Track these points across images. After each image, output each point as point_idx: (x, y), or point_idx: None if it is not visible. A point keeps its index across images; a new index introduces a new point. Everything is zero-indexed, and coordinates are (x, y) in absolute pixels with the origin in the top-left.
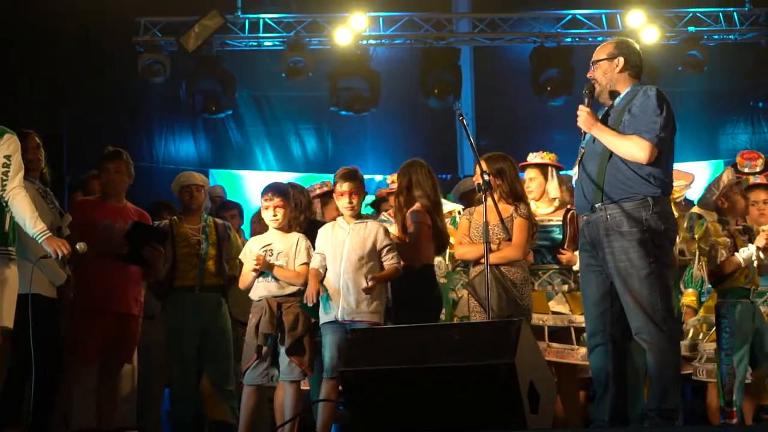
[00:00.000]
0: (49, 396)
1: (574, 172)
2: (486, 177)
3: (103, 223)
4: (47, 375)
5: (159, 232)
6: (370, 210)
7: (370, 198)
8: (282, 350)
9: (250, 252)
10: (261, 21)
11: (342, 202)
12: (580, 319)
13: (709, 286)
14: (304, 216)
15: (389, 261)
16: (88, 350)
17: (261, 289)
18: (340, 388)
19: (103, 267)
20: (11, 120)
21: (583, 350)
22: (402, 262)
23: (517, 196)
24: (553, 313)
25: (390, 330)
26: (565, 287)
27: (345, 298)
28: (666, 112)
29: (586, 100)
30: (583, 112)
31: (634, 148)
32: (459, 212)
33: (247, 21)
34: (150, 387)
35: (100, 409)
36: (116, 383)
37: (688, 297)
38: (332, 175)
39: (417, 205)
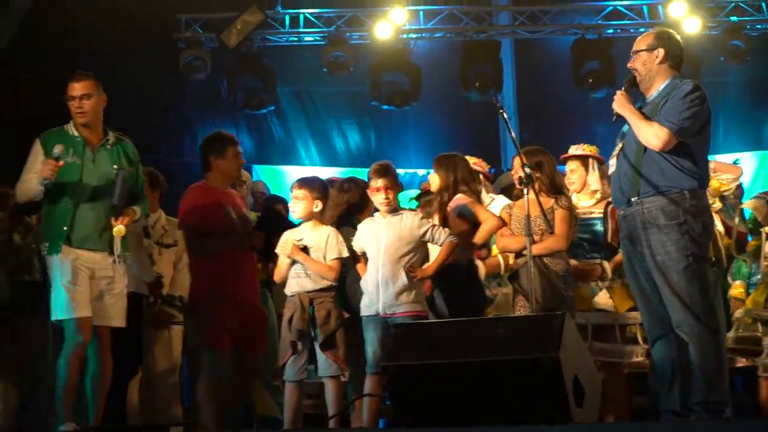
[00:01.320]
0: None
1: (611, 164)
2: (527, 170)
3: (227, 211)
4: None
5: (285, 221)
6: (414, 204)
7: (414, 192)
8: (317, 345)
9: (285, 244)
10: (301, 16)
11: (378, 198)
12: (625, 316)
13: (758, 277)
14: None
15: (442, 238)
16: (224, 342)
17: (294, 285)
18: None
19: (238, 257)
20: (52, 118)
21: (629, 348)
22: (457, 239)
23: (556, 188)
24: (597, 310)
25: (434, 324)
26: (608, 282)
27: (385, 291)
28: (696, 104)
29: (625, 88)
30: (618, 94)
31: (651, 134)
32: None
33: (287, 16)
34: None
35: (234, 399)
36: (252, 375)
37: (736, 289)
38: None
39: (462, 197)
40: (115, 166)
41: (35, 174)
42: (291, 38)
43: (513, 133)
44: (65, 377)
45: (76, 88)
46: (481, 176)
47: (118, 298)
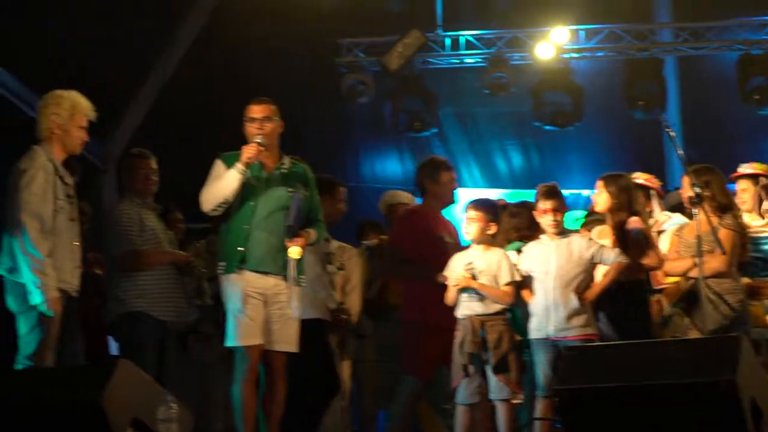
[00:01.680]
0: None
1: None
2: (697, 189)
3: (440, 237)
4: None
5: None
6: (578, 225)
7: (579, 213)
8: (488, 369)
9: (453, 269)
10: (462, 38)
11: (545, 220)
12: None
13: None
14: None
15: (610, 259)
16: (425, 371)
17: (464, 308)
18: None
19: (436, 284)
20: (221, 145)
21: None
22: (626, 259)
23: (723, 207)
24: None
25: (605, 347)
26: None
27: (555, 314)
28: None
29: None
30: None
31: None
32: None
33: (448, 39)
34: (364, 406)
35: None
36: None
37: None
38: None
39: (636, 220)
40: (290, 189)
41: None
42: (452, 60)
43: (681, 152)
44: (240, 404)
45: (257, 111)
46: (652, 192)
47: (291, 323)
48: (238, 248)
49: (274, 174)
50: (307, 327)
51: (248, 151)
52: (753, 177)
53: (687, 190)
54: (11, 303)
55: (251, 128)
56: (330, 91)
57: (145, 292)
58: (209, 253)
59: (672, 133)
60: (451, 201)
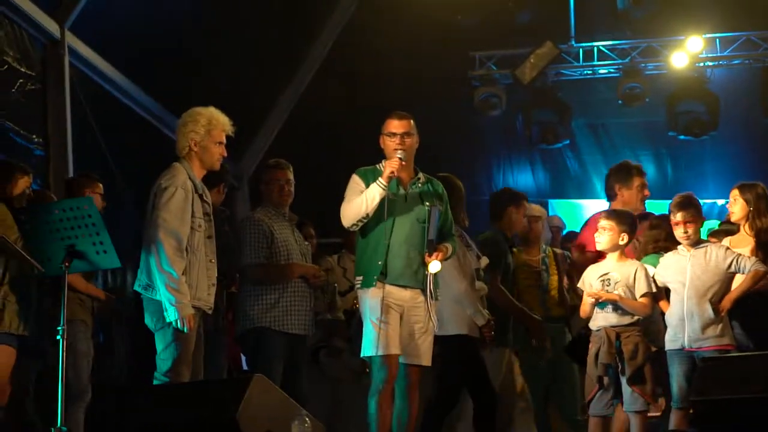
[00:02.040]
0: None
1: None
2: None
3: None
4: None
5: None
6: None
7: (714, 222)
8: (623, 380)
9: (588, 281)
10: (595, 49)
11: (677, 232)
12: None
13: None
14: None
15: (748, 267)
16: None
17: (600, 319)
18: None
19: None
20: (343, 159)
21: None
22: (765, 267)
23: None
24: None
25: (742, 358)
26: None
27: (690, 325)
28: None
29: None
30: None
31: None
32: None
33: (581, 50)
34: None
35: None
36: None
37: None
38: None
39: None
40: (427, 204)
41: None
42: (585, 71)
43: None
44: (375, 414)
45: (398, 126)
46: None
47: (427, 336)
48: (378, 262)
49: (411, 189)
50: (454, 342)
51: (391, 167)
52: None
53: None
54: (148, 320)
55: (391, 143)
56: (463, 104)
57: (271, 307)
58: (341, 268)
59: None
60: (640, 207)
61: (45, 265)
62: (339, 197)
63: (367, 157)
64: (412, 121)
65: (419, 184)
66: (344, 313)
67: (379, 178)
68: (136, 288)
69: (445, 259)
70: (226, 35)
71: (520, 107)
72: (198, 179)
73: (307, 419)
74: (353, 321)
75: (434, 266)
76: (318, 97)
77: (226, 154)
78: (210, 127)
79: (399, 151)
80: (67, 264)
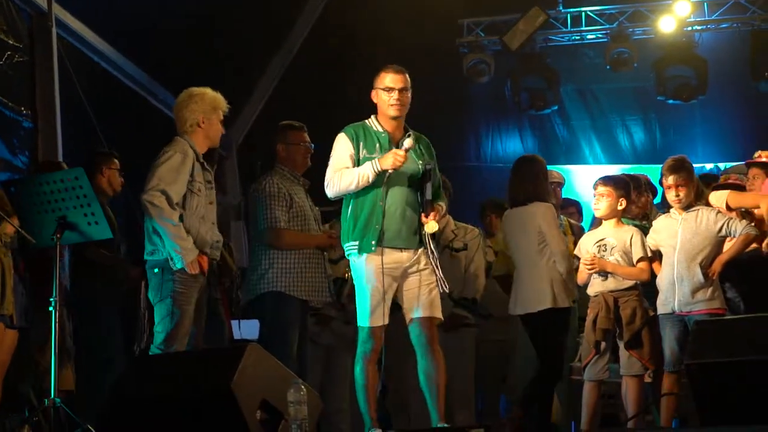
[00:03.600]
0: None
1: None
2: None
3: None
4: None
5: None
6: None
7: None
8: (621, 344)
9: (584, 248)
10: (583, 14)
11: (669, 195)
12: None
13: None
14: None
15: (738, 230)
16: None
17: (597, 285)
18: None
19: None
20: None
21: None
22: (756, 230)
23: None
24: None
25: (735, 321)
26: None
27: (681, 288)
28: None
29: None
30: None
31: None
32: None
33: (569, 15)
34: (489, 386)
35: None
36: None
37: None
38: (660, 166)
39: None
40: (421, 162)
41: (347, 167)
42: (573, 37)
43: None
44: (363, 383)
45: (397, 81)
46: None
47: (434, 290)
48: (376, 226)
49: (401, 146)
50: (547, 316)
51: (398, 161)
52: (767, 166)
53: None
54: (150, 294)
55: (388, 98)
56: (451, 71)
57: (287, 271)
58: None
59: None
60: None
61: (36, 237)
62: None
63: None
64: (408, 76)
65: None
66: (336, 280)
67: (376, 162)
68: (146, 257)
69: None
70: (213, 6)
71: (509, 74)
72: (200, 152)
73: (302, 387)
74: (344, 288)
75: (431, 226)
76: (306, 65)
77: (224, 132)
78: (215, 104)
79: (406, 142)
80: (58, 235)
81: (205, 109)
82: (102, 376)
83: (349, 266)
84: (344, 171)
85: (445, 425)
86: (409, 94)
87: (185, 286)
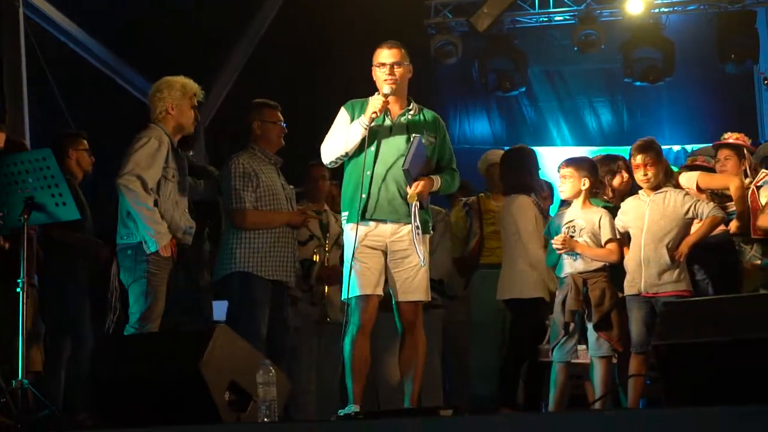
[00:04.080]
0: None
1: None
2: None
3: None
4: None
5: None
6: None
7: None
8: (590, 326)
9: (553, 229)
10: None
11: (637, 175)
12: None
13: None
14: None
15: (705, 212)
16: None
17: (566, 266)
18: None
19: None
20: (303, 109)
21: None
22: (722, 213)
23: None
24: None
25: (704, 302)
26: None
27: (647, 270)
28: None
29: None
30: None
31: None
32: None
33: None
34: (456, 368)
35: None
36: None
37: None
38: (628, 148)
39: None
40: (413, 135)
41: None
42: (541, 18)
43: None
44: (350, 356)
45: (387, 56)
46: (746, 151)
47: (419, 270)
48: (362, 195)
49: (398, 120)
50: (531, 305)
51: (374, 105)
52: (736, 147)
53: None
54: (123, 276)
55: (381, 74)
56: (419, 52)
57: (255, 252)
58: None
59: None
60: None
61: (4, 218)
62: (299, 144)
63: (325, 103)
64: (403, 50)
65: (409, 115)
66: (304, 261)
67: (362, 117)
68: (118, 241)
69: (434, 192)
70: None
71: (476, 55)
72: (174, 139)
73: (271, 369)
74: (313, 270)
75: (411, 196)
76: (274, 46)
77: (200, 119)
78: (185, 90)
79: (386, 87)
80: (26, 216)
81: (175, 96)
82: (71, 357)
83: (317, 248)
84: (335, 133)
85: (414, 407)
86: (405, 69)
87: (158, 268)
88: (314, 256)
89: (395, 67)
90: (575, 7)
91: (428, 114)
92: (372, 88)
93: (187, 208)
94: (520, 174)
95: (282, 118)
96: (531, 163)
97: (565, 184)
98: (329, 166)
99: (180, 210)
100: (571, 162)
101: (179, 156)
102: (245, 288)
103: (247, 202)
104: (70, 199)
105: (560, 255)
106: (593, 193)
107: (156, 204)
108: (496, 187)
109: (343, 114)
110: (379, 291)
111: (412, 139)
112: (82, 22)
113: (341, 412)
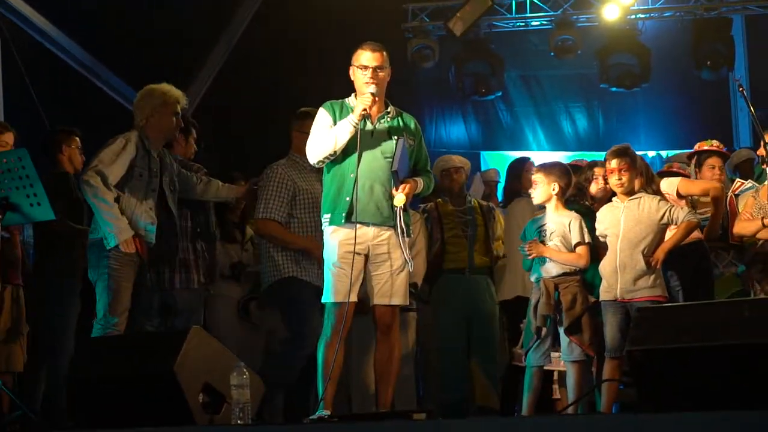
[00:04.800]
0: None
1: None
2: None
3: None
4: None
5: None
6: None
7: None
8: (561, 330)
9: (528, 234)
10: (528, 1)
11: (611, 180)
12: None
13: None
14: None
15: (680, 218)
16: None
17: (539, 270)
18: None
19: None
20: (281, 112)
21: None
22: (697, 218)
23: None
24: None
25: (678, 307)
26: None
27: (623, 276)
28: None
29: None
30: None
31: None
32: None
33: (513, 2)
34: (426, 371)
35: None
36: None
37: None
38: (603, 154)
39: None
40: (395, 137)
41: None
42: (518, 23)
43: (754, 113)
44: (323, 360)
45: (372, 59)
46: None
47: (399, 274)
48: (346, 198)
49: (378, 123)
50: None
51: (364, 102)
52: (723, 155)
53: (762, 150)
54: (89, 272)
55: (362, 76)
56: (396, 56)
57: (298, 259)
58: None
59: (745, 93)
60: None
61: None
62: (275, 146)
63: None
64: (385, 53)
65: (388, 118)
66: None
67: (351, 115)
68: (90, 236)
69: (418, 194)
70: None
71: (453, 59)
72: (155, 146)
73: (245, 371)
74: None
75: (399, 199)
76: (251, 46)
77: (182, 125)
78: (166, 98)
79: (371, 86)
80: (0, 216)
81: (155, 104)
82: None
83: None
84: (319, 134)
85: (387, 411)
86: (387, 72)
87: (120, 263)
88: None
89: (378, 70)
90: (552, 13)
91: (406, 117)
92: (349, 89)
93: (153, 206)
94: (512, 181)
95: None
96: (522, 170)
97: (536, 190)
98: (316, 166)
99: (143, 208)
100: (541, 167)
101: (152, 157)
102: (294, 294)
103: (273, 212)
104: (45, 200)
105: (529, 259)
106: (572, 200)
107: (118, 200)
108: (454, 193)
109: (324, 115)
110: (355, 297)
111: (396, 141)
112: (57, 20)
113: (313, 416)
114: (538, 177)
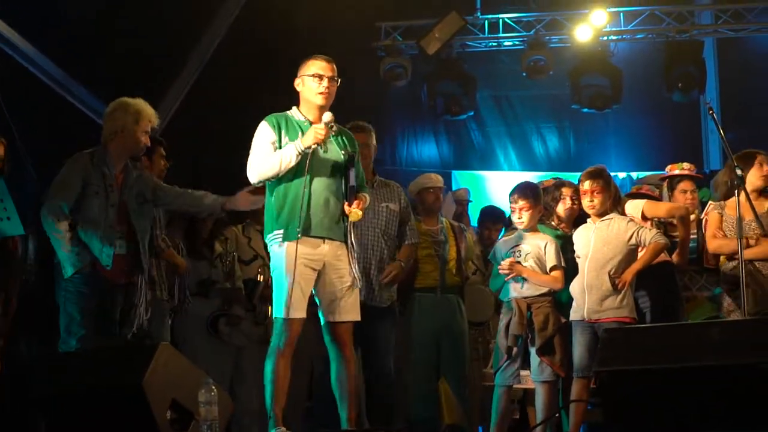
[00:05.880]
0: None
1: None
2: (738, 172)
3: None
4: None
5: None
6: None
7: None
8: (533, 350)
9: (499, 254)
10: (500, 21)
11: (584, 201)
12: None
13: None
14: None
15: (648, 239)
16: None
17: (512, 291)
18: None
19: None
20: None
21: None
22: (664, 239)
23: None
24: None
25: (645, 329)
26: None
27: (590, 296)
28: None
29: None
30: None
31: None
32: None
33: (486, 22)
34: (399, 388)
35: None
36: None
37: None
38: (575, 174)
39: None
40: (343, 151)
41: (269, 154)
42: (490, 43)
43: (723, 136)
44: (272, 378)
45: (328, 69)
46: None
47: (352, 291)
48: (301, 214)
49: (327, 138)
50: None
51: (317, 135)
52: (693, 178)
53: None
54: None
55: (317, 85)
56: (368, 74)
57: None
58: (246, 237)
59: (714, 116)
60: None
61: None
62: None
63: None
64: (335, 66)
65: (333, 132)
66: (248, 281)
67: (299, 142)
68: (55, 260)
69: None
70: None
71: (425, 78)
72: (117, 162)
73: (213, 388)
74: (257, 290)
75: (355, 214)
76: (224, 61)
77: (149, 143)
78: (138, 117)
79: (327, 114)
80: None
81: (126, 120)
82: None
83: (261, 268)
84: (267, 155)
85: (353, 429)
86: (336, 84)
87: (77, 289)
88: (258, 276)
89: (331, 81)
90: (524, 33)
91: (345, 132)
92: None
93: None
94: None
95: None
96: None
97: (524, 215)
98: (256, 185)
99: (103, 227)
100: (528, 194)
101: (107, 174)
102: None
103: None
104: (15, 215)
105: (506, 280)
106: (541, 220)
107: (75, 226)
108: (431, 212)
109: (266, 130)
110: (304, 313)
111: (348, 156)
112: (27, 34)
113: None
114: (524, 204)
